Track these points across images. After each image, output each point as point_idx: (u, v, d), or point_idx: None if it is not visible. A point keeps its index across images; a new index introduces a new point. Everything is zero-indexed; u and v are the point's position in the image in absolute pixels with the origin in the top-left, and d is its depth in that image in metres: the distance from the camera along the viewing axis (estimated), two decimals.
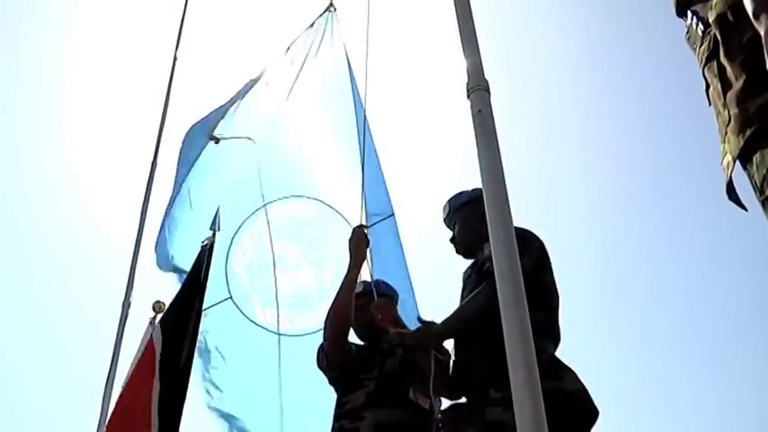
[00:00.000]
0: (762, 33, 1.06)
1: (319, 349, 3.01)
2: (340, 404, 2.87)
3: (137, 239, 4.45)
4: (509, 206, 1.64)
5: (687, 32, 1.43)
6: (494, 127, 1.80)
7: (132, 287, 4.38)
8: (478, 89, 1.87)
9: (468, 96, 1.87)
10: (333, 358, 2.93)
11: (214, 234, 3.76)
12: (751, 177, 1.18)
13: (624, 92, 9.11)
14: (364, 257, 3.03)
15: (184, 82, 5.35)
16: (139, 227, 4.45)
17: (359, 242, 3.00)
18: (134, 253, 4.41)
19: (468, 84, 1.90)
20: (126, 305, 4.28)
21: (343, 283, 2.95)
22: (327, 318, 2.93)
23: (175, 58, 5.54)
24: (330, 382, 3.01)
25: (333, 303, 2.94)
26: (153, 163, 4.79)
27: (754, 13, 1.08)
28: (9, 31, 8.64)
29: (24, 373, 8.11)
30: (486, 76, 1.91)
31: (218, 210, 3.85)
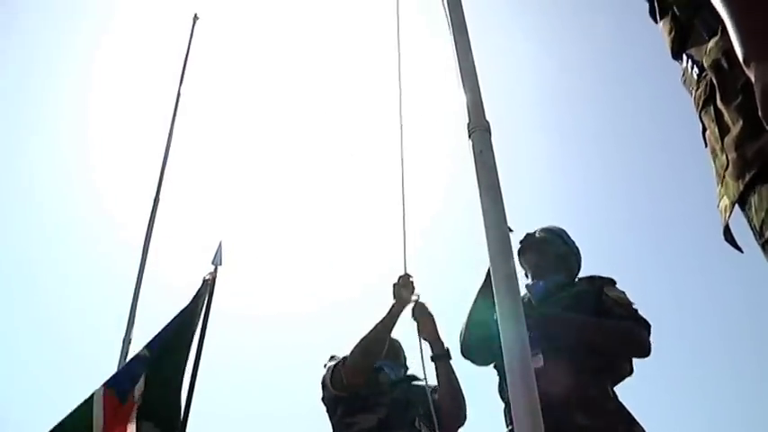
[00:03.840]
0: (753, 80, 1.09)
1: (334, 369, 3.03)
2: (345, 424, 2.93)
3: (136, 285, 4.47)
4: (511, 251, 1.65)
5: (683, 75, 1.45)
6: (495, 168, 1.82)
7: (133, 324, 4.39)
8: (479, 129, 1.89)
9: (470, 136, 1.90)
10: (352, 382, 2.96)
11: (216, 269, 3.77)
12: (750, 221, 1.19)
13: (629, 140, 9.19)
14: (408, 301, 3.06)
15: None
16: (139, 271, 4.46)
17: (405, 284, 3.04)
18: (134, 292, 4.42)
19: (468, 124, 1.92)
20: (126, 342, 4.28)
21: (385, 317, 3.00)
22: (361, 344, 2.97)
23: (179, 94, 5.68)
24: (327, 400, 3.06)
25: (372, 333, 2.98)
26: (160, 180, 4.84)
27: (744, 60, 1.10)
28: (37, 32, 8.77)
29: (24, 376, 8.12)
30: (488, 116, 1.94)
31: (220, 244, 3.86)
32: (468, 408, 3.03)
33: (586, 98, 9.27)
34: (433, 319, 3.07)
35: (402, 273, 3.07)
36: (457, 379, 3.01)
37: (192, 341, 3.54)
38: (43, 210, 9.01)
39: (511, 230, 1.73)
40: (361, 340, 2.99)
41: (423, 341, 2.99)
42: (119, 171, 8.60)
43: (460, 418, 2.99)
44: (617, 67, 8.90)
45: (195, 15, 6.21)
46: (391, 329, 3.02)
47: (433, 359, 3.02)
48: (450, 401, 2.96)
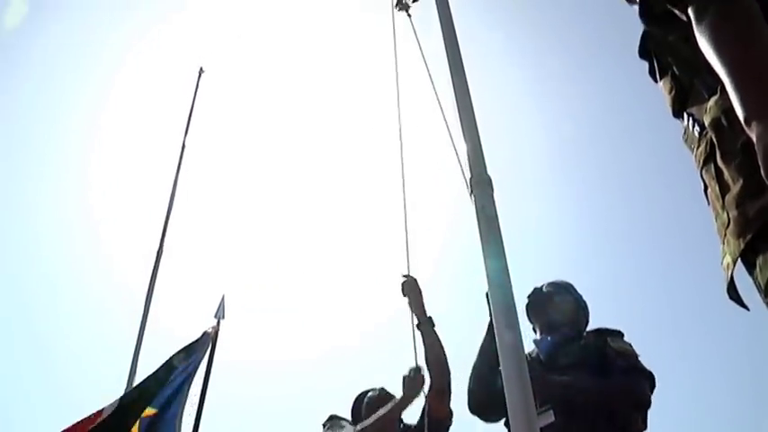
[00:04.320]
0: (754, 139, 1.09)
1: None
2: None
3: (138, 336, 4.45)
4: (515, 308, 1.64)
5: (684, 133, 1.46)
6: (497, 223, 1.82)
7: (135, 374, 4.35)
8: (481, 185, 1.90)
9: (471, 192, 1.90)
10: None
11: (219, 323, 3.75)
12: (755, 279, 1.19)
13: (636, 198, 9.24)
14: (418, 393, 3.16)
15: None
16: (142, 322, 4.44)
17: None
18: (137, 343, 4.39)
19: (470, 179, 1.93)
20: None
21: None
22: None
23: (184, 145, 5.74)
24: None
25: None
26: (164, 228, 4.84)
27: (745, 120, 1.11)
28: (44, 83, 8.90)
29: (25, 425, 8.01)
30: (490, 172, 1.95)
31: (222, 297, 3.85)
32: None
33: (592, 149, 9.34)
34: (421, 295, 3.22)
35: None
36: (441, 345, 3.14)
37: (186, 397, 3.53)
38: (46, 259, 9.03)
39: None
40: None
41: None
42: (122, 221, 8.64)
43: (444, 381, 3.11)
44: (621, 119, 8.99)
45: (201, 69, 6.32)
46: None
47: (418, 327, 3.16)
48: (435, 363, 3.09)
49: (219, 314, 3.77)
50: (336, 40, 8.49)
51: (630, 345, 2.85)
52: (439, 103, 2.21)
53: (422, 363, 3.09)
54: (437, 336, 3.17)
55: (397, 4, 3.25)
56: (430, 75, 2.53)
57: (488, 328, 2.77)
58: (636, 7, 1.62)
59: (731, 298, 1.27)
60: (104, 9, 9.22)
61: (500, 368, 1.59)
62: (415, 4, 3.18)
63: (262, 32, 8.72)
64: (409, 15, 3.18)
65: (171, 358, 3.65)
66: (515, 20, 9.31)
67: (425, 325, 3.18)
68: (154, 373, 3.62)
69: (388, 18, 3.21)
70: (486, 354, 2.76)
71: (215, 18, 8.92)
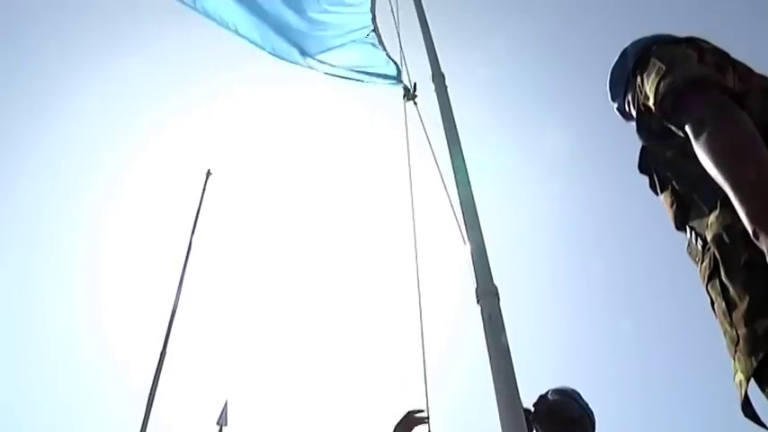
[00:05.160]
0: (765, 252, 1.10)
1: None
2: None
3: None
4: (523, 422, 1.61)
5: (688, 246, 1.47)
6: (504, 332, 1.81)
7: None
8: (488, 295, 1.90)
9: (478, 301, 1.90)
10: None
11: (221, 429, 3.67)
12: None
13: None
14: None
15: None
16: (143, 423, 4.36)
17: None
18: None
19: (477, 289, 1.93)
20: None
21: None
22: None
23: (190, 244, 5.81)
24: None
25: None
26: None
27: (754, 234, 1.12)
28: (53, 179, 9.04)
29: None
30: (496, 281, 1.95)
31: (225, 403, 3.79)
32: None
33: (598, 257, 9.34)
34: None
35: None
36: None
37: None
38: (51, 354, 8.92)
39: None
40: None
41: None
42: (127, 323, 8.59)
43: None
44: (629, 224, 9.04)
45: (208, 171, 6.46)
46: None
47: None
48: None
49: (222, 421, 3.70)
50: (342, 138, 8.70)
51: None
52: (452, 208, 2.22)
53: None
54: None
55: (405, 95, 3.35)
56: (445, 185, 2.52)
57: None
58: (633, 123, 1.68)
59: (746, 415, 1.25)
60: (112, 112, 9.54)
61: None
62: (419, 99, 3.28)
63: (268, 133, 8.94)
64: (415, 104, 3.27)
65: None
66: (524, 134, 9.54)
67: None
68: None
69: (394, 113, 3.30)
70: None
71: (223, 119, 9.21)
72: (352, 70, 3.83)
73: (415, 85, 3.33)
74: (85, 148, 9.94)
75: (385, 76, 3.68)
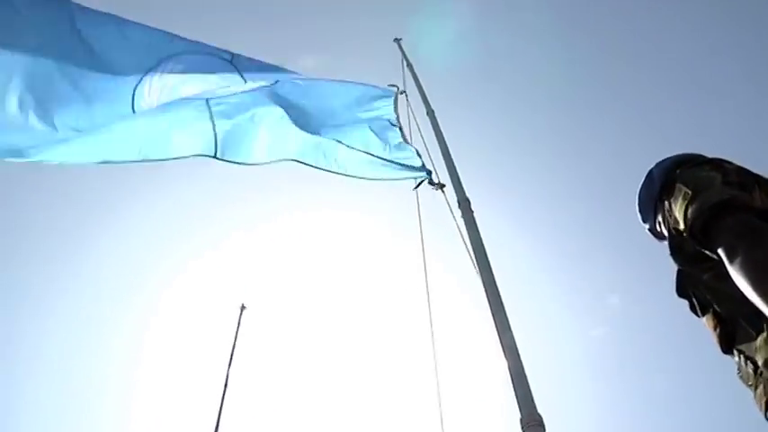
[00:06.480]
0: None
1: None
2: None
3: None
4: None
5: (738, 370, 1.42)
6: None
7: None
8: (533, 425, 1.84)
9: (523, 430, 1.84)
10: None
11: None
12: None
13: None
14: None
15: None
16: None
17: None
18: None
19: (521, 419, 1.87)
20: None
21: None
22: None
23: (228, 376, 5.79)
24: None
25: None
26: None
27: None
28: (91, 306, 9.09)
29: None
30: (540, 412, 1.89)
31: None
32: None
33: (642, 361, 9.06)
34: None
35: None
36: None
37: None
38: None
39: None
40: None
41: None
42: None
43: None
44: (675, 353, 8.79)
45: (242, 305, 6.49)
46: None
47: None
48: None
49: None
50: (372, 268, 8.77)
51: None
52: (502, 347, 2.16)
53: None
54: None
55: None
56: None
57: None
58: (665, 242, 1.66)
59: None
60: (144, 249, 9.74)
61: None
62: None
63: (296, 260, 9.06)
64: (443, 192, 3.17)
65: None
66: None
67: None
68: None
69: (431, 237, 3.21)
70: None
71: (256, 254, 9.36)
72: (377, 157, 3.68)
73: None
74: (121, 280, 10.12)
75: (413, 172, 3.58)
